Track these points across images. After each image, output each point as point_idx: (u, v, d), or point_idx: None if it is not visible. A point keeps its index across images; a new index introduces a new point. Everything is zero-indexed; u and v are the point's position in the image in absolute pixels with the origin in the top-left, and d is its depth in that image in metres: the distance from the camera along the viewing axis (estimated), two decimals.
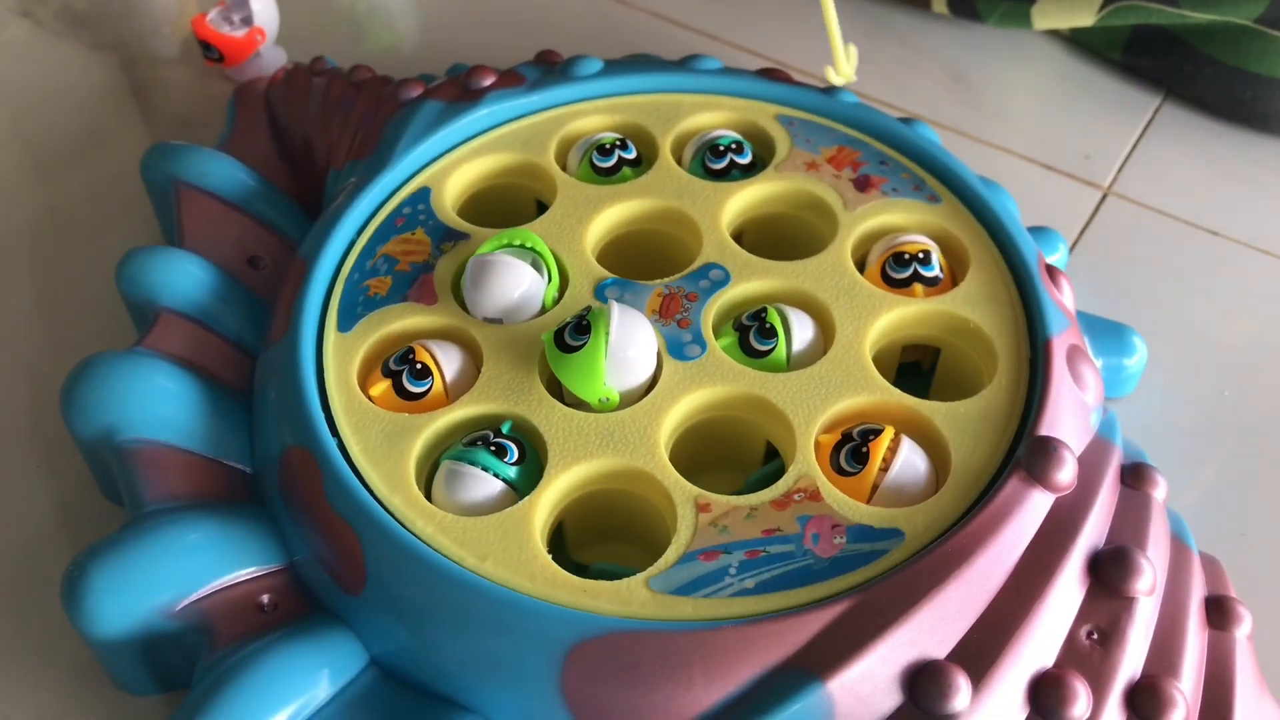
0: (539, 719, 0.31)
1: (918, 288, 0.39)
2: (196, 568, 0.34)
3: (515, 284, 0.37)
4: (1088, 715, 0.31)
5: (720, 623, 0.31)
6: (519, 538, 0.33)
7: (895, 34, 0.59)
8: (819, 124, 0.44)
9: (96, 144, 0.53)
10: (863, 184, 0.42)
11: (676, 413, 0.36)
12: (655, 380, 0.36)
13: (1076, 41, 0.57)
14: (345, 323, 0.38)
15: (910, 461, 0.35)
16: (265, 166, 0.48)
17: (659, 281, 0.39)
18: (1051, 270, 0.40)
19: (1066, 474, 0.34)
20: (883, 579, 0.32)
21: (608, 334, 0.34)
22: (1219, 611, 0.34)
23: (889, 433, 0.35)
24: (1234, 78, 0.52)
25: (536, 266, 0.38)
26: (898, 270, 0.39)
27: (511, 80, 0.46)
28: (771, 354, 0.37)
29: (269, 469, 0.36)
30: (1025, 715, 0.31)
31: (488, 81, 0.45)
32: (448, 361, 0.37)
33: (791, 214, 0.43)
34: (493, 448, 0.34)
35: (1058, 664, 0.32)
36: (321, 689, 0.32)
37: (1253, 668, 0.34)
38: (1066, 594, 0.32)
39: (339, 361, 0.37)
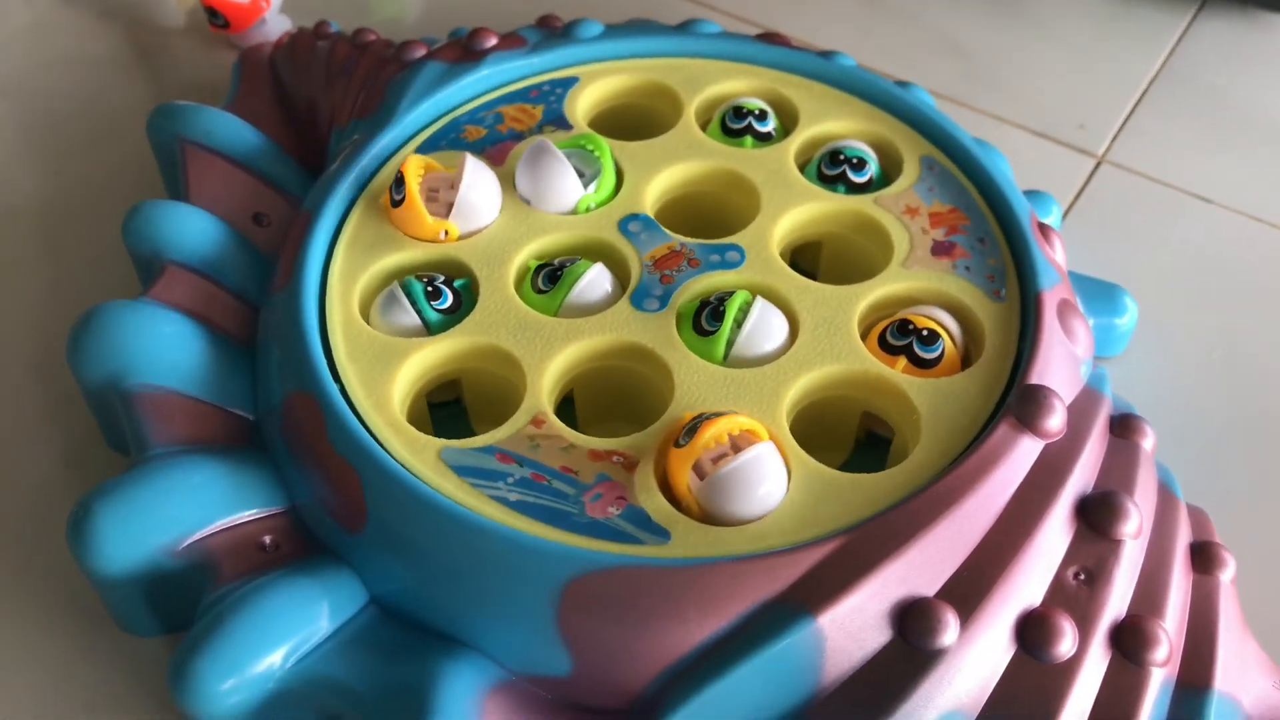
0: (536, 654, 0.32)
1: (902, 359, 0.37)
2: (200, 508, 0.34)
3: (553, 175, 0.40)
4: (1073, 652, 0.31)
5: (715, 559, 0.32)
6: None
7: (894, 7, 0.60)
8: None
9: (102, 109, 0.54)
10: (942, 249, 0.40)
11: (586, 346, 0.37)
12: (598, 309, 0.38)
13: None
14: (346, 275, 0.39)
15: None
16: (269, 128, 0.48)
17: (681, 237, 0.40)
18: (1044, 227, 0.41)
19: (1055, 421, 0.34)
20: (875, 518, 0.32)
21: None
22: (1203, 557, 0.35)
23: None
24: None
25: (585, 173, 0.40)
26: (898, 339, 0.38)
27: (513, 42, 0.46)
28: (713, 336, 0.36)
29: (272, 414, 0.37)
30: (1013, 651, 0.32)
31: (489, 43, 0.46)
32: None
33: (845, 235, 0.42)
34: (429, 290, 0.37)
35: (1045, 603, 0.32)
36: (322, 624, 0.33)
37: (1235, 610, 0.34)
38: (1054, 536, 0.33)
39: (340, 307, 0.38)
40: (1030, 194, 0.46)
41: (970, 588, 0.32)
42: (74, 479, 0.41)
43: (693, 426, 0.33)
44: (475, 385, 0.39)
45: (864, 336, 0.38)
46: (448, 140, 0.43)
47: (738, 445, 0.33)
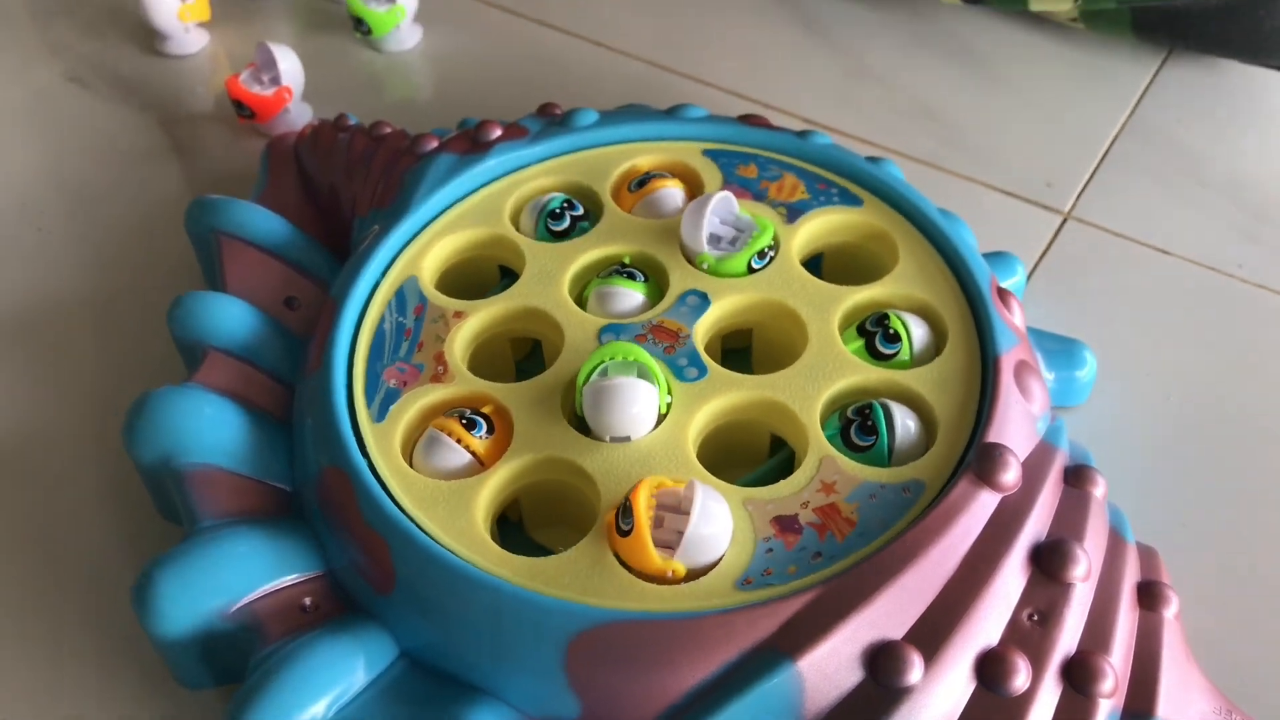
0: (548, 700, 0.36)
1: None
2: (247, 574, 0.39)
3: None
4: (1027, 687, 0.35)
5: (703, 612, 0.35)
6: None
7: (875, 74, 0.64)
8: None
9: (144, 197, 0.58)
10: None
11: (695, 428, 0.41)
12: (669, 409, 0.41)
13: (1073, 33, 0.62)
14: (373, 361, 0.43)
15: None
16: (296, 214, 0.53)
17: (645, 316, 0.44)
18: (1002, 293, 0.45)
19: (1010, 476, 0.38)
20: (848, 570, 0.36)
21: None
22: (1149, 595, 0.39)
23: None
24: (1240, 5, 0.56)
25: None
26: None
27: (516, 133, 0.51)
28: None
29: (308, 487, 0.41)
30: (973, 687, 0.35)
31: (495, 134, 0.50)
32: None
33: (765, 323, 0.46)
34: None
35: (1002, 642, 0.36)
36: (358, 677, 0.37)
37: (1180, 643, 0.38)
38: (1010, 581, 0.37)
39: (367, 389, 0.42)
40: (996, 255, 0.50)
41: (934, 630, 0.36)
42: (131, 548, 0.45)
43: (624, 510, 0.37)
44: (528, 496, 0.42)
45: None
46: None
47: (680, 507, 0.37)
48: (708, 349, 0.43)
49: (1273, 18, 0.56)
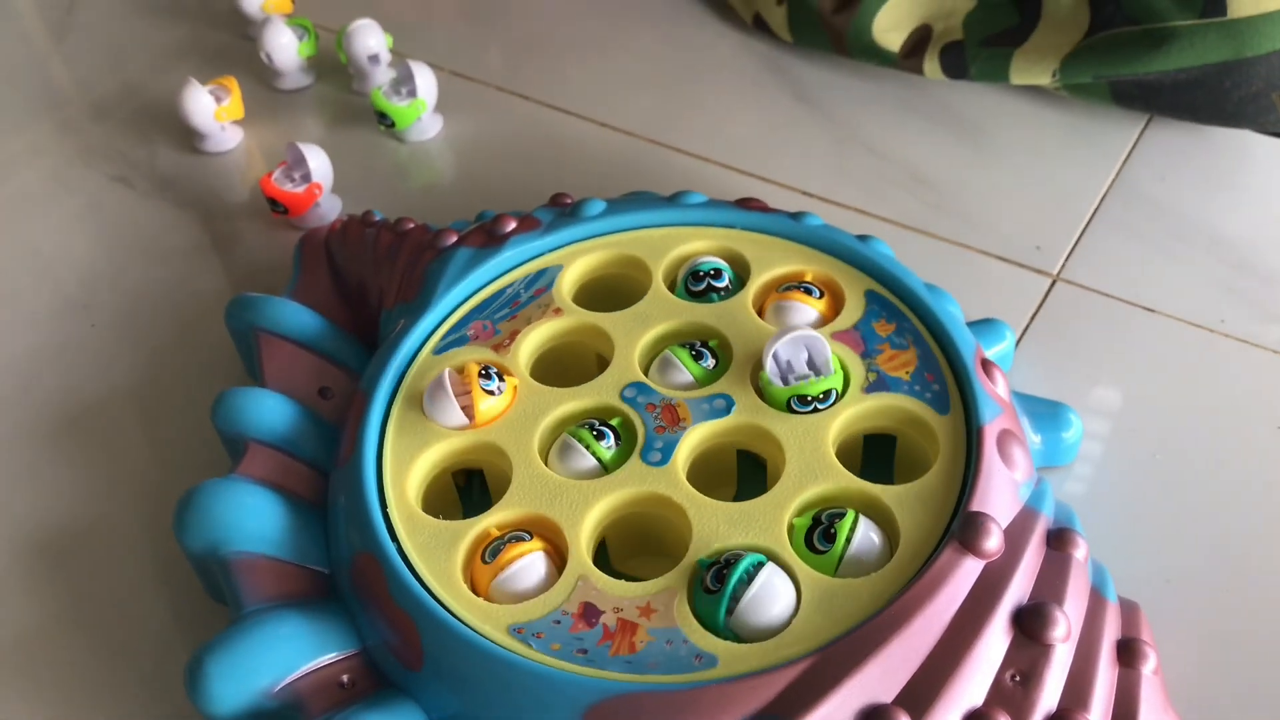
0: None
1: None
2: (290, 655, 0.42)
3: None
4: None
5: (706, 682, 0.38)
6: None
7: (867, 143, 0.67)
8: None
9: (187, 291, 0.63)
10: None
11: (615, 499, 0.44)
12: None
13: (1059, 99, 0.66)
14: (401, 449, 0.47)
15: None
16: (327, 307, 0.56)
17: (675, 393, 0.47)
18: (986, 364, 0.47)
19: (993, 543, 0.41)
20: (842, 638, 0.39)
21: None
22: (1129, 652, 0.41)
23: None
24: (1207, 77, 0.59)
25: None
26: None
27: (529, 225, 0.54)
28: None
29: (342, 570, 0.45)
30: None
31: (509, 228, 0.54)
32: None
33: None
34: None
35: (986, 703, 0.38)
36: None
37: (1158, 698, 0.40)
38: (993, 644, 0.39)
39: (395, 478, 0.46)
40: (984, 323, 0.52)
41: (922, 693, 0.38)
42: (184, 629, 0.49)
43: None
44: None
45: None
46: (457, 341, 0.50)
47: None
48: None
49: (1239, 88, 0.59)
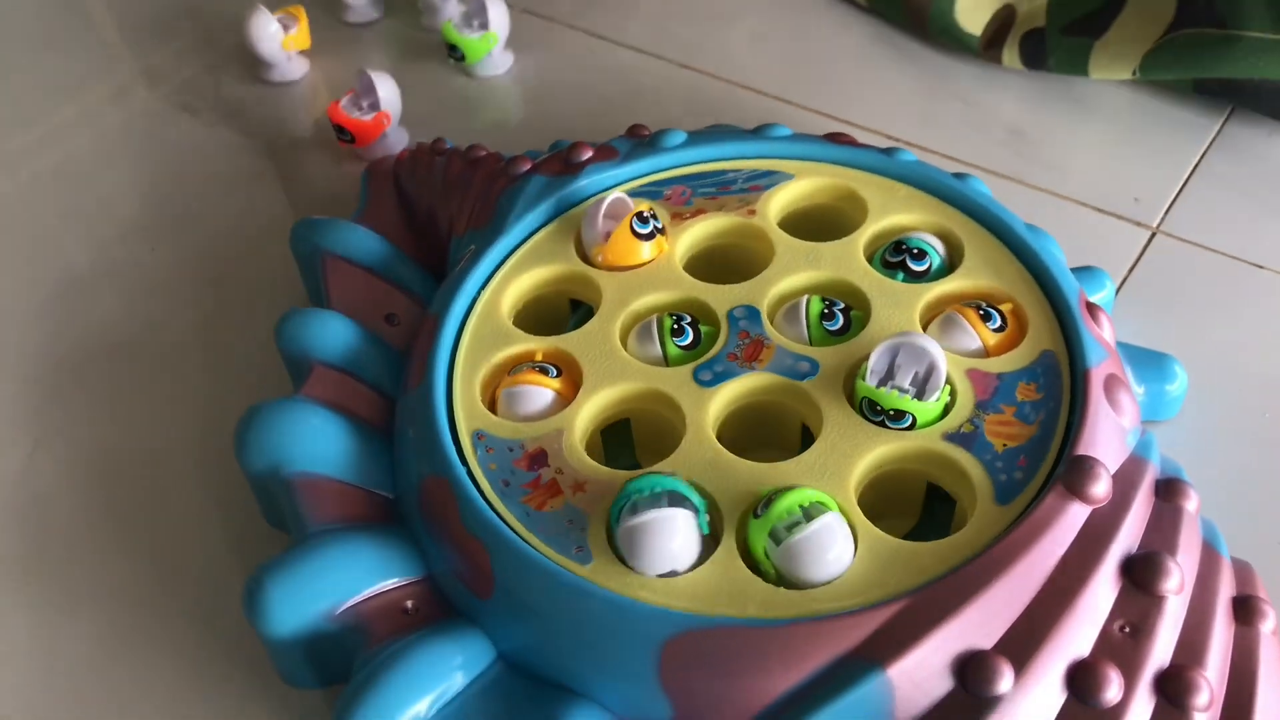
0: (641, 703, 0.37)
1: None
2: (353, 578, 0.40)
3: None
4: (1119, 699, 0.35)
5: (795, 619, 0.36)
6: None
7: (958, 92, 0.64)
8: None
9: (248, 218, 0.61)
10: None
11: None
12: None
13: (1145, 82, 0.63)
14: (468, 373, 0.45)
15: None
16: (394, 235, 0.55)
17: (777, 337, 0.45)
18: (1091, 307, 0.45)
19: (1100, 488, 0.38)
20: (937, 580, 0.37)
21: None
22: (1246, 609, 0.38)
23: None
24: None
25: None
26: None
27: (606, 154, 0.52)
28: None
29: (409, 495, 0.43)
30: (1064, 698, 0.35)
31: (586, 156, 0.52)
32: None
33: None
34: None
35: (1093, 654, 0.36)
36: (457, 678, 0.38)
37: (1277, 659, 0.38)
38: (1100, 593, 0.37)
39: (465, 402, 0.44)
40: (1084, 270, 0.50)
41: (1024, 641, 0.36)
42: (240, 554, 0.47)
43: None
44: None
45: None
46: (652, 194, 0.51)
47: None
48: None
49: None
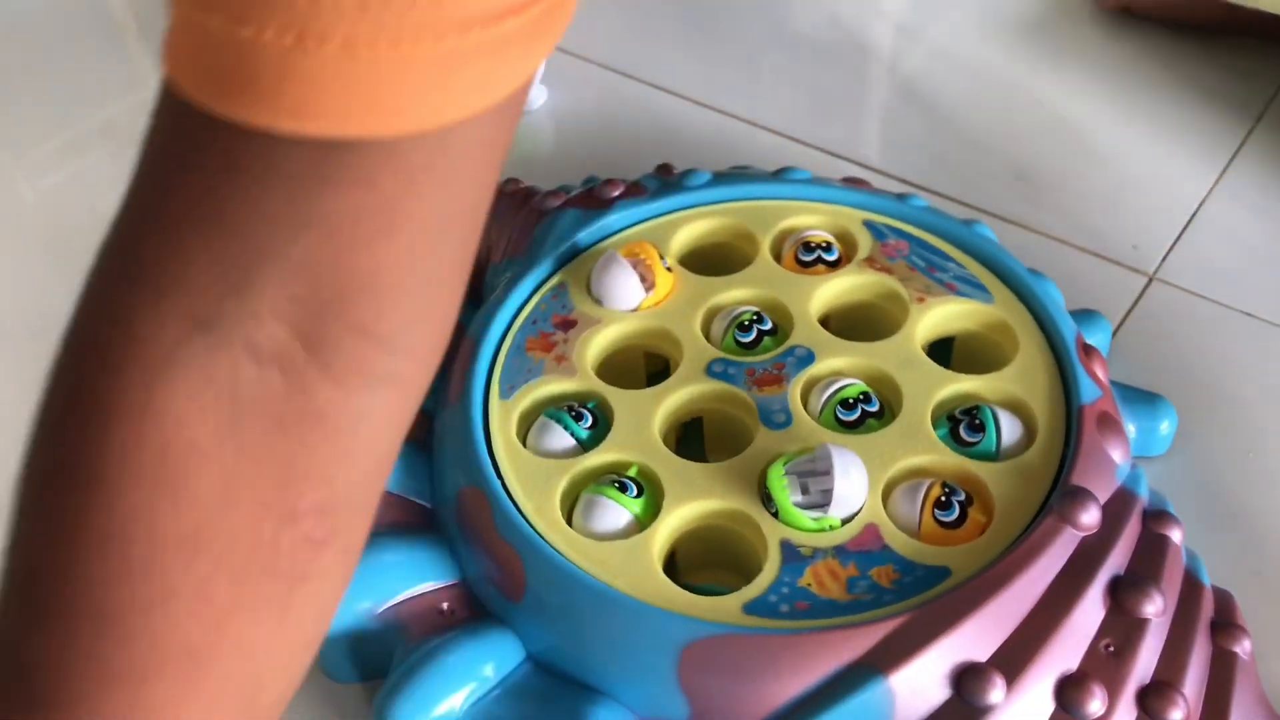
0: (661, 702, 0.40)
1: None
2: (395, 579, 0.44)
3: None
4: (1103, 712, 0.38)
5: (804, 630, 0.39)
6: (642, 560, 0.42)
7: (963, 137, 0.68)
8: (899, 229, 0.53)
9: None
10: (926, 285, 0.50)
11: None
12: (750, 440, 0.45)
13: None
14: (505, 391, 0.48)
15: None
16: None
17: (756, 359, 0.48)
18: (1087, 348, 0.48)
19: (1091, 517, 0.41)
20: (938, 598, 0.40)
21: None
22: (1223, 633, 0.41)
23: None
24: None
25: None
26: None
27: (636, 191, 0.55)
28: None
29: (446, 504, 0.46)
30: (1052, 709, 0.38)
31: (616, 192, 0.55)
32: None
33: (870, 302, 0.51)
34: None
35: (1080, 670, 0.39)
36: (489, 676, 0.41)
37: (1253, 682, 0.41)
38: (1089, 613, 0.40)
39: (501, 419, 0.47)
40: (1083, 313, 0.53)
41: (1017, 655, 0.39)
42: None
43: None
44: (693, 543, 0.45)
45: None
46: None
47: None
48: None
49: None
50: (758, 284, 0.51)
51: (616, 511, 0.43)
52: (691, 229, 0.54)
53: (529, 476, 0.45)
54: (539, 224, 0.55)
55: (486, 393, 0.48)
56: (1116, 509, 0.43)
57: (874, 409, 0.46)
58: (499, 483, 0.44)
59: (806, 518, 0.42)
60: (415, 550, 0.45)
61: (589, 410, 0.46)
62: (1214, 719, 0.39)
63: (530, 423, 0.47)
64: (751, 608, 0.40)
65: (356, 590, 0.43)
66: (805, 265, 0.52)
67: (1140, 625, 0.40)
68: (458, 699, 0.41)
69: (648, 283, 0.50)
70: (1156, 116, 0.68)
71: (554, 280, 0.52)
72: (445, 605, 0.44)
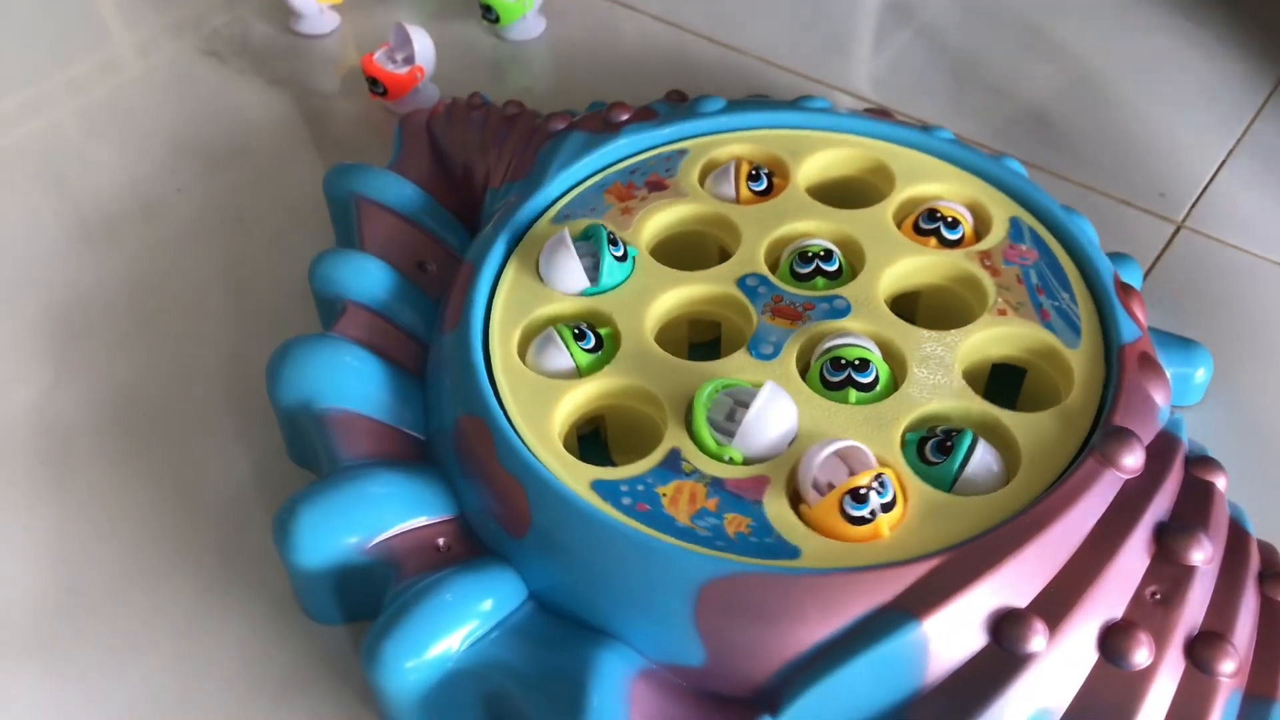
0: (674, 646, 0.37)
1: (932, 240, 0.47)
2: (386, 511, 0.40)
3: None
4: (1150, 662, 0.36)
5: (834, 569, 0.36)
6: None
7: (984, 82, 0.65)
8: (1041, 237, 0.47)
9: (277, 165, 0.61)
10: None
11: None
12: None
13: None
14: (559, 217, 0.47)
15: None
16: (427, 186, 0.54)
17: (795, 290, 0.45)
18: (1125, 286, 0.45)
19: (1134, 459, 0.39)
20: (975, 539, 0.37)
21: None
22: (1271, 583, 0.39)
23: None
24: None
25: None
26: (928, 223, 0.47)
27: (646, 115, 0.52)
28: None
29: (444, 435, 0.43)
30: (1095, 659, 0.36)
31: (625, 116, 0.52)
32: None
33: (951, 289, 0.47)
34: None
35: (1125, 618, 0.36)
36: (489, 615, 0.38)
37: None
38: (1133, 559, 0.37)
39: (501, 345, 0.44)
40: (1115, 256, 0.50)
41: (1058, 601, 0.36)
42: (264, 490, 0.47)
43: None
44: (617, 420, 0.44)
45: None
46: (587, 210, 0.49)
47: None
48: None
49: None
50: (856, 227, 0.48)
51: (562, 355, 0.43)
52: (824, 156, 0.51)
53: (531, 403, 0.42)
54: (542, 147, 0.51)
55: (487, 319, 0.45)
56: (1159, 452, 0.40)
57: (867, 379, 0.42)
58: (500, 410, 0.41)
59: (711, 438, 0.40)
60: (410, 481, 0.41)
61: (595, 333, 0.44)
62: (1265, 671, 0.37)
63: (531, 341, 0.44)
64: (599, 486, 0.39)
65: (343, 523, 0.40)
66: (920, 233, 0.47)
67: (1188, 573, 0.37)
68: (455, 639, 0.38)
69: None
70: (1184, 64, 0.66)
71: (676, 146, 0.51)
72: (441, 541, 0.41)
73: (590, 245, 0.45)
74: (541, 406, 0.42)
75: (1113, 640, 0.36)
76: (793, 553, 0.37)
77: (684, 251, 0.49)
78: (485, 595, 0.38)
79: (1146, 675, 0.35)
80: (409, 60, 0.62)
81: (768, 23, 0.69)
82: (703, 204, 0.49)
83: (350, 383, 0.44)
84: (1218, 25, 0.68)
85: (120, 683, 0.41)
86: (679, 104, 0.54)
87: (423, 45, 0.62)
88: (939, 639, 0.36)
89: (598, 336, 0.44)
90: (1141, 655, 0.36)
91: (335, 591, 0.41)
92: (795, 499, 0.39)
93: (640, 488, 0.39)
